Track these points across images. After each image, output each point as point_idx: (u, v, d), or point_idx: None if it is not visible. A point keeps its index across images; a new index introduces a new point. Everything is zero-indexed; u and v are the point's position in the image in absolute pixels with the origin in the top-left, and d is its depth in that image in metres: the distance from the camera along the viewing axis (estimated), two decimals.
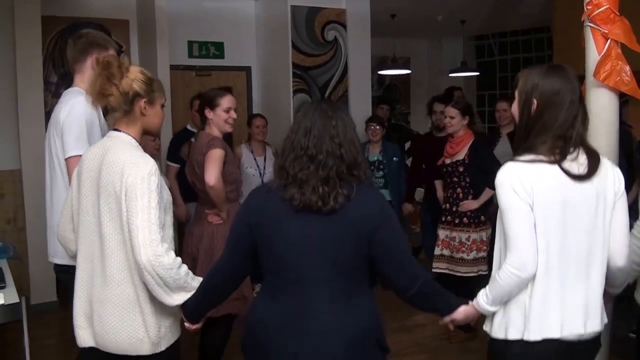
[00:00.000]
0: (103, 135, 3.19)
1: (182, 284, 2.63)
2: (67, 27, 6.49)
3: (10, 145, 6.22)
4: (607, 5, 3.36)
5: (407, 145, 7.93)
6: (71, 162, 3.16)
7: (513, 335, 2.41)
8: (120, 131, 2.79)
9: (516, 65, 11.22)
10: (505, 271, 2.36)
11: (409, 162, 7.46)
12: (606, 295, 2.56)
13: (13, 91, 6.12)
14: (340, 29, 7.70)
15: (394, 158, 6.86)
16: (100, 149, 2.78)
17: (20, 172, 6.19)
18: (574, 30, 3.76)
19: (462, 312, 2.54)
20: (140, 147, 2.79)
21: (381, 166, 6.86)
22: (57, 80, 6.54)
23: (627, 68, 3.33)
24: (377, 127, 6.73)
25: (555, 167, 2.36)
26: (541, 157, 2.37)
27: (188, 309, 2.69)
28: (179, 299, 2.66)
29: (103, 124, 3.30)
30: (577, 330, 2.39)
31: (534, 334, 2.36)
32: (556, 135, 2.39)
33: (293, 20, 7.42)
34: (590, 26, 3.45)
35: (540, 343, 2.37)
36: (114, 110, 2.76)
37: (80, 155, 3.07)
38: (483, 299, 2.48)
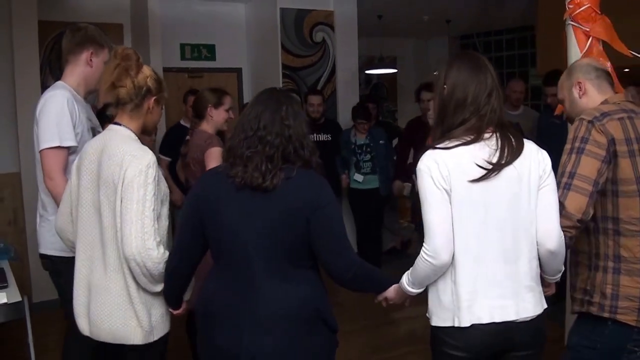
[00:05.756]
0: (79, 130, 3.25)
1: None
2: (63, 31, 6.51)
3: (9, 148, 6.27)
4: (588, 4, 3.44)
5: (395, 142, 7.99)
6: (43, 155, 3.17)
7: (445, 322, 2.43)
8: (120, 125, 2.81)
9: (500, 64, 11.31)
10: (421, 257, 2.38)
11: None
12: (544, 282, 2.59)
13: (12, 95, 6.18)
14: (328, 30, 7.82)
15: (381, 141, 6.98)
16: (100, 142, 2.80)
17: (20, 175, 6.23)
18: (557, 29, 3.85)
19: (392, 290, 2.62)
20: (139, 141, 2.82)
21: (368, 149, 6.97)
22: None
23: (608, 64, 3.38)
24: (366, 124, 6.91)
25: (471, 150, 2.37)
26: (456, 141, 2.38)
27: (164, 296, 2.78)
28: (161, 286, 2.73)
29: (84, 119, 3.31)
30: (507, 316, 2.38)
31: (464, 321, 2.37)
32: (470, 111, 2.40)
33: (282, 22, 7.53)
34: (572, 24, 3.55)
35: (469, 329, 2.37)
36: (124, 103, 2.78)
37: (53, 148, 3.14)
38: (405, 281, 2.52)
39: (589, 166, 2.59)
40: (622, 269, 2.68)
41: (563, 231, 2.52)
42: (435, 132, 2.52)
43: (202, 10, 7.95)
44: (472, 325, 2.37)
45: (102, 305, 2.73)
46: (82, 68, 3.38)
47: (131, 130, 2.82)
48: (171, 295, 2.76)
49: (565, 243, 2.52)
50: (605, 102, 2.79)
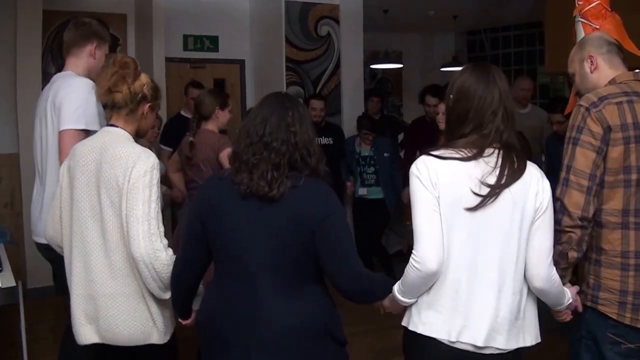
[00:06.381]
0: (101, 119, 3.25)
1: None
2: (66, 21, 6.48)
3: (8, 129, 6.30)
4: (599, 1, 3.37)
5: (400, 137, 7.92)
6: (66, 135, 3.19)
7: (406, 322, 2.42)
8: (117, 127, 2.82)
9: (507, 61, 11.24)
10: (410, 264, 2.30)
11: (402, 154, 7.39)
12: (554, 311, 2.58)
13: (12, 78, 6.23)
14: (333, 24, 7.76)
15: (385, 154, 6.84)
16: (97, 143, 2.79)
17: (18, 156, 6.25)
18: (566, 26, 3.75)
19: (387, 299, 2.52)
20: (135, 142, 2.84)
21: (372, 162, 6.85)
22: (55, 71, 6.40)
23: None
24: (370, 135, 6.78)
25: (467, 166, 2.29)
26: (453, 153, 2.31)
27: (173, 305, 2.74)
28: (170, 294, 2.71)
29: (99, 109, 3.30)
30: (462, 337, 2.29)
31: (419, 329, 2.35)
32: (471, 128, 2.33)
33: (287, 15, 7.49)
34: (581, 21, 3.45)
35: (425, 341, 2.33)
36: (119, 107, 2.80)
37: (76, 130, 3.17)
38: (397, 289, 2.42)
39: (583, 159, 2.57)
40: (603, 261, 2.67)
41: (566, 231, 2.52)
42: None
43: (205, 1, 7.91)
44: (429, 338, 2.33)
45: (117, 311, 2.71)
46: (85, 60, 3.47)
47: (128, 132, 2.84)
48: (178, 303, 2.70)
49: (573, 247, 2.52)
50: (613, 80, 2.75)
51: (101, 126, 3.21)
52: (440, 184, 2.27)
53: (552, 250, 2.37)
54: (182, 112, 6.66)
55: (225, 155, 4.14)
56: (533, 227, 2.32)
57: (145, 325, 2.73)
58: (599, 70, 2.81)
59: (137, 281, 2.69)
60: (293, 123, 2.40)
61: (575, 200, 2.54)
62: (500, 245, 2.29)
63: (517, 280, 2.33)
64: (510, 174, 2.27)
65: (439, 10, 9.49)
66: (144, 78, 2.87)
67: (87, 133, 3.17)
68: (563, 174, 2.59)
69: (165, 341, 2.80)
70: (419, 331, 2.35)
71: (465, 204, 2.26)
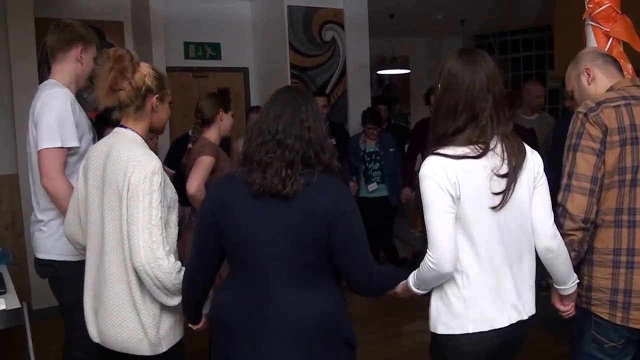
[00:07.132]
0: (80, 131, 3.20)
1: (181, 287, 2.61)
2: None
3: (7, 150, 6.18)
4: (609, 4, 3.37)
5: (407, 147, 7.81)
6: (43, 155, 3.10)
7: (453, 329, 2.41)
8: (126, 128, 2.75)
9: (517, 65, 11.18)
10: (426, 264, 2.34)
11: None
12: (556, 295, 2.67)
13: (9, 95, 6.09)
14: (338, 29, 7.69)
15: (391, 149, 6.82)
16: (106, 145, 2.75)
17: (17, 177, 6.14)
18: (575, 29, 3.76)
19: (400, 286, 2.56)
20: (145, 144, 2.76)
21: (377, 157, 6.80)
22: None
23: (629, 66, 3.32)
24: (375, 130, 6.72)
25: (480, 162, 2.33)
26: (468, 152, 2.34)
27: (183, 310, 2.69)
28: (178, 300, 2.65)
29: (85, 118, 3.27)
30: (519, 317, 2.43)
31: (478, 327, 2.38)
32: (464, 119, 2.35)
33: (290, 20, 7.40)
34: (591, 24, 3.46)
35: (483, 334, 2.38)
36: (126, 106, 2.71)
37: (54, 148, 3.09)
38: (412, 282, 2.49)
39: (584, 163, 2.62)
40: (595, 260, 2.72)
41: (568, 234, 2.60)
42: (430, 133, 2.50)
43: (206, 7, 7.81)
44: (487, 331, 2.39)
45: (109, 315, 2.68)
46: (72, 65, 3.34)
47: (137, 133, 2.77)
48: (190, 308, 2.66)
49: (574, 248, 2.61)
50: (611, 89, 2.80)
51: (81, 137, 3.20)
52: (461, 183, 2.30)
53: (551, 211, 2.49)
54: (191, 133, 6.41)
55: (198, 162, 4.02)
56: (534, 191, 2.44)
57: (134, 335, 2.66)
58: (596, 81, 2.85)
59: (128, 289, 2.63)
60: (307, 118, 2.38)
61: (578, 203, 2.61)
62: (517, 221, 2.40)
63: (533, 247, 2.48)
64: (518, 157, 2.37)
65: (446, 14, 9.48)
66: (144, 68, 2.74)
67: (66, 150, 3.14)
68: (564, 180, 2.64)
69: (158, 353, 2.70)
70: (469, 331, 2.39)
71: (487, 202, 2.34)
